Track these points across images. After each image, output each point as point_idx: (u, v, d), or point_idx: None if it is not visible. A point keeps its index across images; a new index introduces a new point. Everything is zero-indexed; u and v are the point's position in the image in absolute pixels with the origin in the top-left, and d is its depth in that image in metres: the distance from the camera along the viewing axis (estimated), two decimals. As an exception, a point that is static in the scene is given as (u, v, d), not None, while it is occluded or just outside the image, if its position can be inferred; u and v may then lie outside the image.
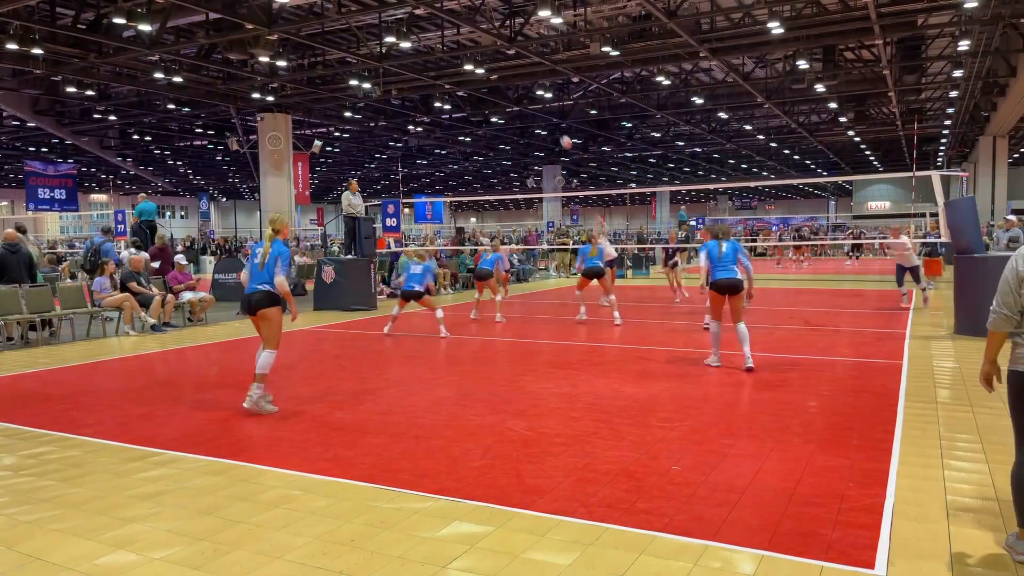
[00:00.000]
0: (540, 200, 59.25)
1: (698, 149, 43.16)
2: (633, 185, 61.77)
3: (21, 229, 14.01)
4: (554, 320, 12.75)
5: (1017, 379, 3.32)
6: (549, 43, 20.16)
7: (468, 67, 20.17)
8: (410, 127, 33.84)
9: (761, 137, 38.44)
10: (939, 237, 16.33)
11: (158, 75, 21.07)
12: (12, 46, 17.12)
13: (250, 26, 16.38)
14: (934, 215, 19.74)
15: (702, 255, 7.97)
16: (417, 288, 10.49)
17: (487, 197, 65.58)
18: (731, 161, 52.75)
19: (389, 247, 19.09)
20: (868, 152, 46.66)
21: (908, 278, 13.76)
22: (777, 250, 31.44)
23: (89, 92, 24.13)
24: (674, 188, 52.55)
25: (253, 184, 44.62)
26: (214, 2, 15.54)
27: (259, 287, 6.23)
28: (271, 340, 6.28)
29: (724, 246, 7.89)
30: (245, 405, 6.18)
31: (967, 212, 10.51)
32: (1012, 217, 13.45)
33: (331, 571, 3.32)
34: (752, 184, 55.20)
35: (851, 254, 34.25)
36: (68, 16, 16.82)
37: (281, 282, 6.23)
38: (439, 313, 10.70)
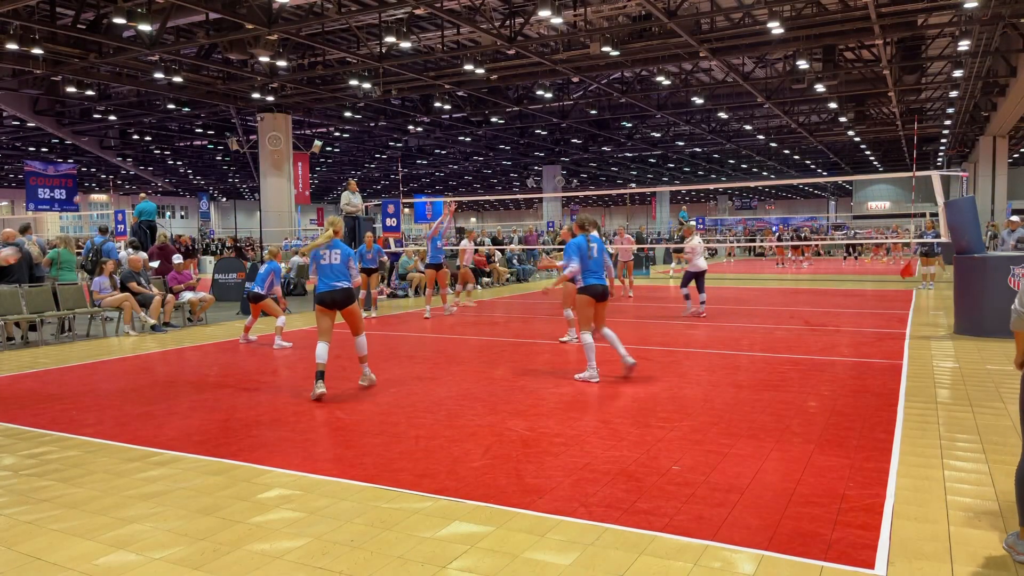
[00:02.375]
0: (540, 200, 59.28)
1: (698, 149, 43.18)
2: (633, 185, 61.81)
3: (24, 229, 14.07)
4: (553, 320, 12.75)
5: None
6: (549, 43, 20.16)
7: (468, 67, 20.17)
8: (410, 127, 33.85)
9: (761, 137, 38.46)
10: (936, 236, 16.27)
11: (158, 75, 21.07)
12: (12, 46, 17.12)
13: (250, 26, 16.38)
14: (934, 215, 19.74)
15: (574, 257, 7.25)
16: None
17: (487, 197, 65.54)
18: (731, 161, 52.77)
19: (388, 247, 19.08)
20: (868, 152, 46.69)
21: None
22: (779, 250, 31.46)
23: (89, 92, 24.13)
24: (674, 188, 52.54)
25: (253, 184, 44.63)
26: (214, 2, 15.55)
27: (338, 284, 6.96)
28: (361, 327, 7.19)
29: (594, 246, 7.36)
30: (362, 383, 7.16)
31: (967, 212, 10.50)
32: (1015, 218, 13.35)
33: (331, 571, 3.32)
34: (752, 184, 55.17)
35: (850, 254, 34.21)
36: (68, 16, 16.83)
37: (359, 281, 7.26)
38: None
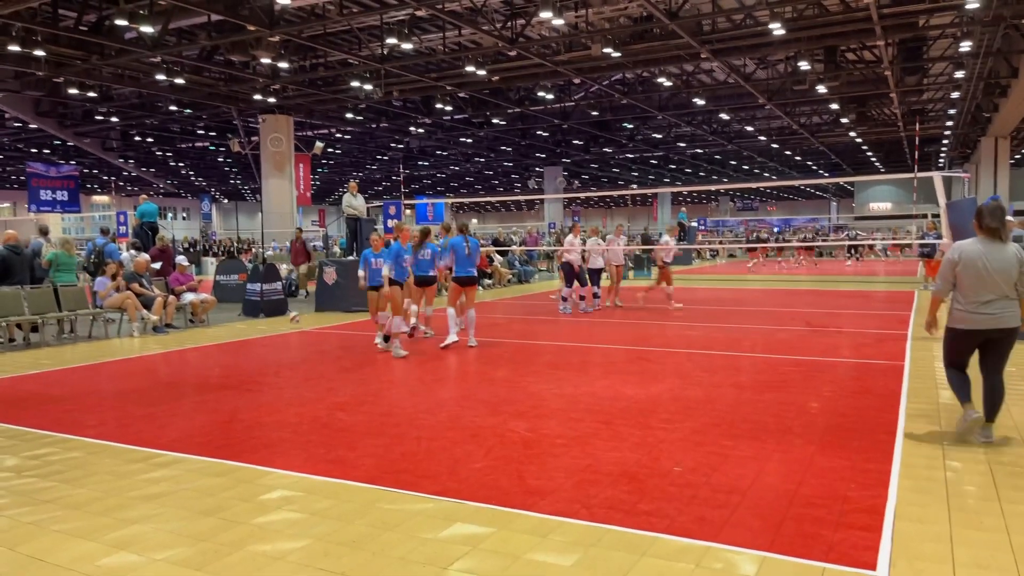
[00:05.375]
0: (541, 201, 59.27)
1: (700, 150, 43.16)
2: (635, 186, 61.78)
3: (44, 232, 14.13)
4: (554, 320, 12.76)
5: (950, 333, 5.15)
6: (551, 44, 20.16)
7: (469, 68, 20.19)
8: (411, 128, 33.87)
9: (763, 138, 38.43)
10: (938, 237, 16.25)
11: (160, 77, 21.11)
12: (15, 48, 17.15)
13: (252, 28, 16.41)
14: (936, 216, 19.71)
15: (446, 254, 9.73)
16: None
17: (488, 198, 65.55)
18: (733, 162, 52.75)
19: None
20: (870, 153, 46.64)
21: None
22: (799, 251, 31.72)
23: (91, 94, 24.17)
24: (675, 189, 52.62)
25: (255, 185, 44.65)
26: (216, 4, 15.57)
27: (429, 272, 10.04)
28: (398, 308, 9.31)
29: (470, 244, 9.62)
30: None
31: (969, 213, 10.46)
32: (1011, 218, 13.29)
33: (333, 572, 3.32)
34: (754, 185, 55.12)
35: (852, 255, 33.94)
36: (70, 18, 16.85)
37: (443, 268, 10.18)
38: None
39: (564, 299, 13.79)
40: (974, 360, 5.16)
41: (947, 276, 5.03)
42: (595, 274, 14.14)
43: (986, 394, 5.06)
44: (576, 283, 13.75)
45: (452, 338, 9.50)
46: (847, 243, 31.70)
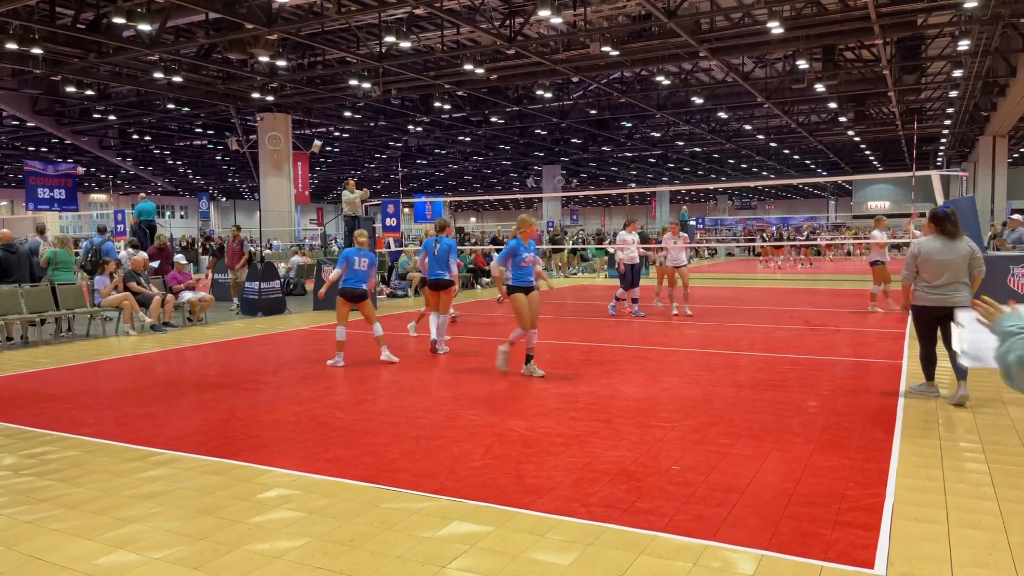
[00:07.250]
0: (540, 200, 59.25)
1: (698, 149, 43.16)
2: (633, 185, 61.79)
3: (41, 230, 14.12)
4: (553, 320, 12.75)
5: (913, 310, 6.34)
6: (549, 43, 20.16)
7: (468, 67, 20.16)
8: (410, 127, 33.84)
9: (761, 137, 38.43)
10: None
11: (158, 75, 21.06)
12: (12, 46, 17.11)
13: (250, 26, 16.37)
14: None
15: (422, 253, 9.55)
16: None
17: (487, 197, 65.52)
18: (731, 161, 52.75)
19: (388, 247, 19.09)
20: (868, 152, 46.67)
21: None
22: (776, 250, 31.16)
23: (89, 92, 24.13)
24: (674, 188, 52.51)
25: (253, 184, 44.63)
26: (214, 2, 15.53)
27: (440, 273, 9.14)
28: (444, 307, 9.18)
29: (439, 246, 9.14)
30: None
31: (967, 212, 10.48)
32: (1018, 216, 13.26)
33: (331, 571, 3.32)
34: (752, 184, 55.11)
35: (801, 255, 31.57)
36: (68, 16, 16.81)
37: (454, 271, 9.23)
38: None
39: (624, 300, 13.06)
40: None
41: (910, 266, 6.27)
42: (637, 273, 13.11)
43: (953, 362, 6.10)
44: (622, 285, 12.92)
45: (442, 347, 9.27)
46: (802, 243, 29.67)
